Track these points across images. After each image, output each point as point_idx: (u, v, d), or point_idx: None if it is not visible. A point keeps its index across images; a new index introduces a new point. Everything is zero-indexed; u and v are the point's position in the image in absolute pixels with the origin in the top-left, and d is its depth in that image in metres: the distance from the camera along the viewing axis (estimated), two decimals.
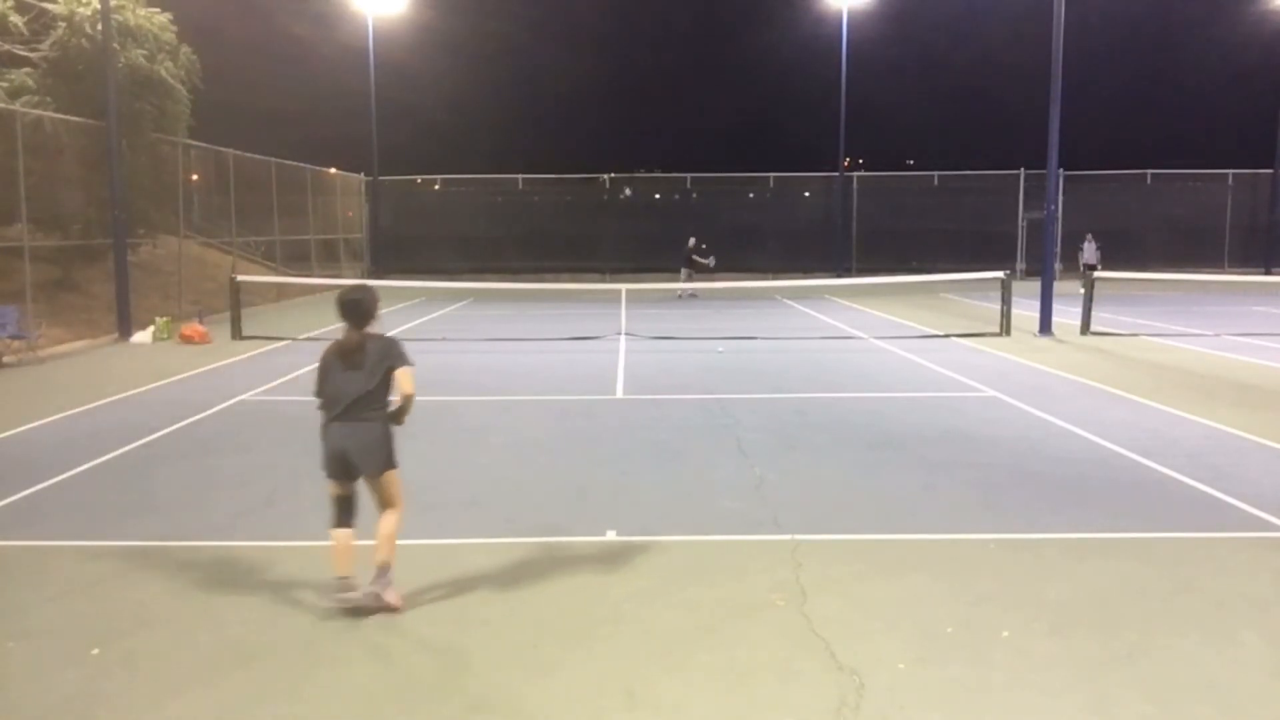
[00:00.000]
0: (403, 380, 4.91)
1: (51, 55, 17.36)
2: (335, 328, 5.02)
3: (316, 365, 5.03)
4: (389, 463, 4.98)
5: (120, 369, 13.16)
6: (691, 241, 25.09)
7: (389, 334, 5.09)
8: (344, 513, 5.00)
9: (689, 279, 24.45)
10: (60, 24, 17.33)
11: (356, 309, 4.95)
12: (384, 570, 4.92)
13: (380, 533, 4.96)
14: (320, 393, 4.97)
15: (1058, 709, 4.00)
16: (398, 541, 4.96)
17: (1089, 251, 26.94)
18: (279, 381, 11.93)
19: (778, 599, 5.10)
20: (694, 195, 36.25)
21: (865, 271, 31.50)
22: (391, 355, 4.93)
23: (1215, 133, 47.86)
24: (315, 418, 4.99)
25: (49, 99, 16.94)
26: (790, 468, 7.81)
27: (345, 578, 4.91)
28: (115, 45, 16.66)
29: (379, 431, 4.93)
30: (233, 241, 23.23)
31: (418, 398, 5.00)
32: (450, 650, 4.56)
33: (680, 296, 24.35)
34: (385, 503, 5.02)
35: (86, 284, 18.07)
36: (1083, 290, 17.06)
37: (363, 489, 5.04)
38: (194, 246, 22.19)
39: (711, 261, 24.76)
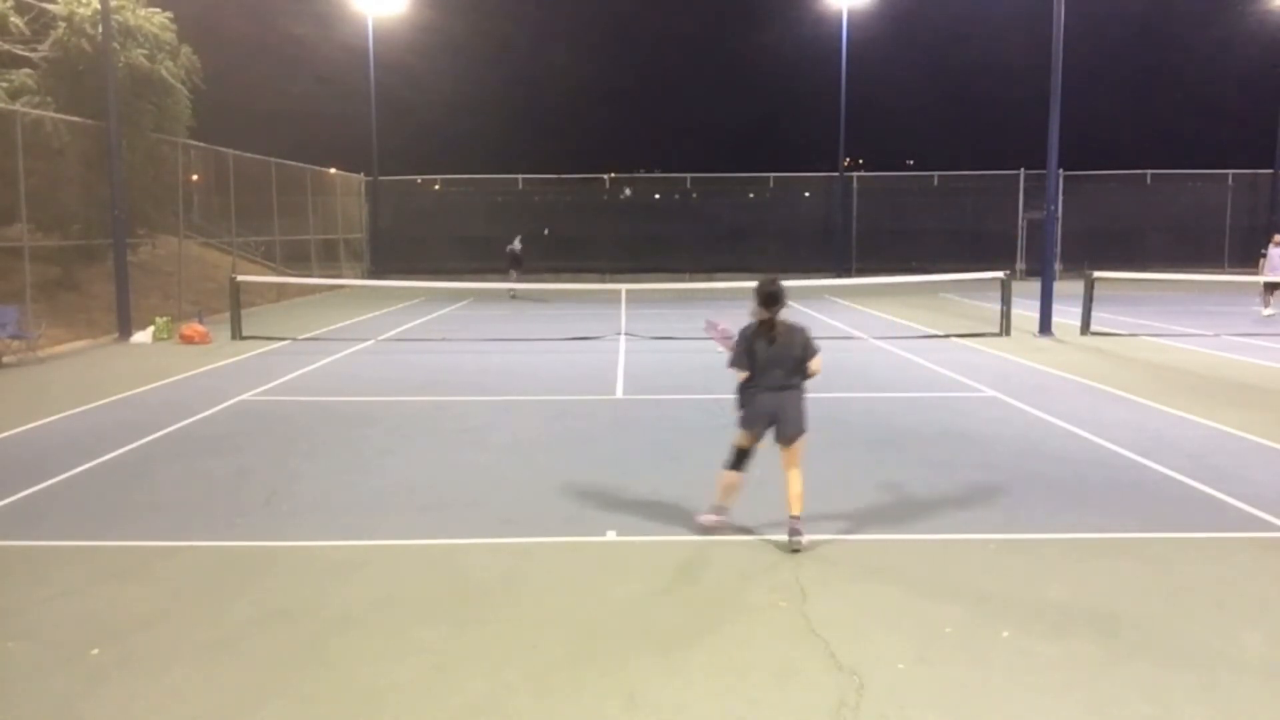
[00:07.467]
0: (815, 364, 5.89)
1: (51, 55, 17.36)
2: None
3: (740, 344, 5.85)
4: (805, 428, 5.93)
5: (120, 369, 13.16)
6: (518, 243, 25.69)
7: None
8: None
9: (517, 279, 24.98)
10: (60, 24, 17.32)
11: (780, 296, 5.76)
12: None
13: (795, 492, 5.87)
14: (748, 365, 5.86)
15: (1058, 709, 4.00)
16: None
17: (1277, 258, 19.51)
18: (279, 381, 11.92)
19: (778, 599, 5.10)
20: (694, 195, 36.23)
21: (865, 272, 31.49)
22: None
23: (1215, 133, 47.80)
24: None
25: (49, 99, 16.93)
26: None
27: (725, 506, 6.07)
28: (115, 45, 16.67)
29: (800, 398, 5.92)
30: (232, 241, 23.24)
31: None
32: (450, 650, 4.57)
33: (513, 297, 24.75)
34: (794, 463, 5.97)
35: (86, 284, 18.07)
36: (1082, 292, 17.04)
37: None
38: (194, 246, 22.19)
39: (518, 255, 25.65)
